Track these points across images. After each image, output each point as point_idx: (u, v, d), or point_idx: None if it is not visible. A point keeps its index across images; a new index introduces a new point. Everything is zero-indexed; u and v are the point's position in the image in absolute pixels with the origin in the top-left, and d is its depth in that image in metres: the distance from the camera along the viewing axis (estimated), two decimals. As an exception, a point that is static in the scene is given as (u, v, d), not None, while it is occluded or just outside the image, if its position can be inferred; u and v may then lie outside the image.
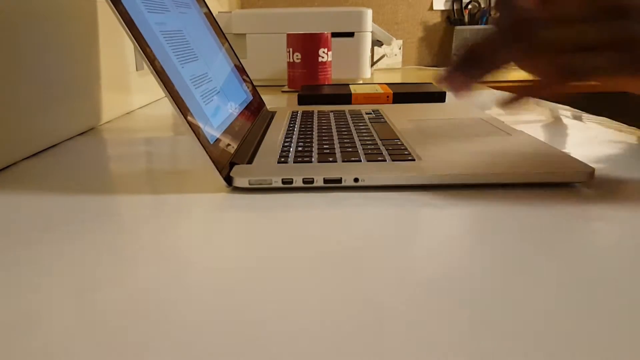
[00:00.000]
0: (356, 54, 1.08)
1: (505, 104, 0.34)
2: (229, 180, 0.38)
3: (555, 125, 0.61)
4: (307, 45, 0.95)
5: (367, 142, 0.47)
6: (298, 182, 0.38)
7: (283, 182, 0.38)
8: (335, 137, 0.50)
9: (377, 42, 1.22)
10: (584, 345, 0.19)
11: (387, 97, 0.79)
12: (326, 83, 0.98)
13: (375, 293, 0.23)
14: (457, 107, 0.67)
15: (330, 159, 0.42)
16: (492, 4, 0.34)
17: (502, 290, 0.23)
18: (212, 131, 0.41)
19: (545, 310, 0.22)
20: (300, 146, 0.47)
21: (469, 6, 2.03)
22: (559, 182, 0.38)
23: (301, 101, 0.80)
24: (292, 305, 0.22)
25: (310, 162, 0.41)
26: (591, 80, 0.30)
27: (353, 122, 0.58)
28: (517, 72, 1.52)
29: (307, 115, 0.63)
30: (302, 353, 0.19)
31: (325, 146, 0.46)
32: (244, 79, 0.65)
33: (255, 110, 0.61)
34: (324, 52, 0.96)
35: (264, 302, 0.23)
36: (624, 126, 0.60)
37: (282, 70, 1.07)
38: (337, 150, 0.45)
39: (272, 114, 0.65)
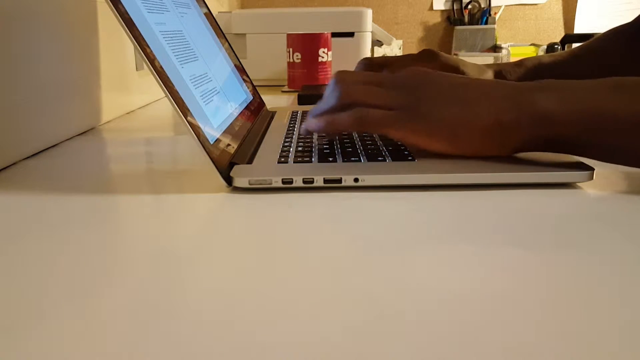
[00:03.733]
0: (356, 54, 1.08)
1: (310, 126, 0.43)
2: (229, 180, 0.38)
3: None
4: (307, 45, 0.95)
5: (367, 142, 0.47)
6: (298, 182, 0.38)
7: (283, 182, 0.38)
8: (335, 137, 0.50)
9: (377, 42, 1.22)
10: (582, 351, 0.19)
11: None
12: (326, 83, 0.98)
13: (376, 293, 0.23)
14: None
15: (330, 159, 0.42)
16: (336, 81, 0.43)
17: (501, 291, 0.23)
18: (212, 131, 0.41)
19: (537, 313, 0.22)
20: (300, 146, 0.47)
21: (469, 6, 2.03)
22: (559, 182, 0.38)
23: (301, 101, 0.80)
24: (292, 305, 0.22)
25: (310, 162, 0.41)
26: (380, 130, 0.41)
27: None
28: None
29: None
30: (303, 353, 0.19)
31: (325, 146, 0.46)
32: (244, 79, 0.65)
33: (255, 110, 0.61)
34: (324, 52, 0.96)
35: (264, 303, 0.23)
36: None
37: (282, 70, 1.07)
38: (337, 150, 0.45)
39: (272, 114, 0.65)
